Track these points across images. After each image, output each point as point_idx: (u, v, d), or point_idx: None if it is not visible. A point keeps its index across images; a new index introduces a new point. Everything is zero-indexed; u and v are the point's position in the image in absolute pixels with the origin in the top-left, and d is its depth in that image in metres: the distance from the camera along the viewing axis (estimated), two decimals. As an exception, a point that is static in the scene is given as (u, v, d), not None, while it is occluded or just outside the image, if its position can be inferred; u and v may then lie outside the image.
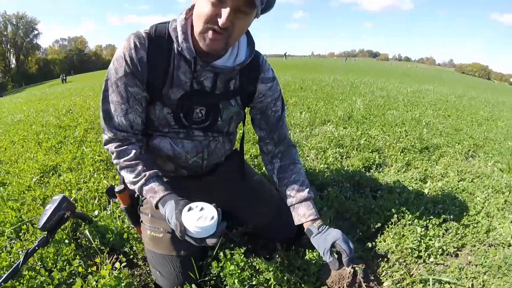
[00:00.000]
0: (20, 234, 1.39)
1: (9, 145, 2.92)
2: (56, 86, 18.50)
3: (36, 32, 57.12)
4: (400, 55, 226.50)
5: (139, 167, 0.99)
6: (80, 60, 71.30)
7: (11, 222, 1.45)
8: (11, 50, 53.19)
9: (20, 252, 1.24)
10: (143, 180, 0.98)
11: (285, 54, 50.25)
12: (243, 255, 1.09)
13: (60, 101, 6.05)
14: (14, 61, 54.18)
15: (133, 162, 0.99)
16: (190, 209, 0.86)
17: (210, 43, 0.89)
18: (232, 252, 1.09)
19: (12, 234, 1.42)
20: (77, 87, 10.41)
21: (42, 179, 2.05)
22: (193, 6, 0.95)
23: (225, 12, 0.83)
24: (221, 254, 1.08)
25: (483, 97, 9.28)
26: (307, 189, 1.16)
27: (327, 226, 1.08)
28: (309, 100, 4.93)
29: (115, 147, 1.01)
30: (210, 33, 0.87)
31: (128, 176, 1.00)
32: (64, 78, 28.06)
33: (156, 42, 0.96)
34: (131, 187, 1.03)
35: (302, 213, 1.13)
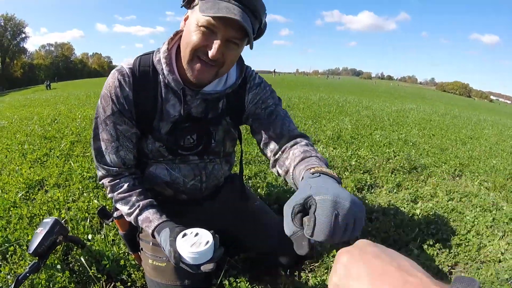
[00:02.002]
0: (7, 255, 1.31)
1: (-8, 153, 2.80)
2: (40, 92, 18.05)
3: (23, 35, 55.85)
4: (382, 74, 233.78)
5: (133, 198, 0.97)
6: (65, 67, 70.05)
7: (-3, 242, 1.36)
8: (-3, 51, 51.58)
9: (9, 277, 1.17)
10: (137, 211, 0.96)
11: (274, 70, 50.33)
12: (248, 283, 1.06)
13: (44, 109, 5.89)
14: (-1, 63, 52.39)
15: (126, 194, 0.98)
16: (184, 235, 0.82)
17: (198, 74, 0.86)
18: (236, 280, 1.06)
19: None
20: (62, 95, 10.17)
21: (28, 195, 1.96)
22: (175, 34, 0.94)
23: (216, 43, 0.79)
24: (226, 282, 1.05)
25: (465, 115, 9.67)
26: (306, 153, 0.85)
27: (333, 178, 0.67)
28: (297, 119, 4.97)
29: (108, 182, 0.99)
30: (198, 64, 0.84)
31: (123, 208, 0.99)
32: (49, 84, 27.34)
33: (141, 77, 0.93)
34: (128, 219, 1.00)
35: (300, 171, 0.78)
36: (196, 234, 0.81)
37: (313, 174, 0.68)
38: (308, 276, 1.26)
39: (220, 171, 1.15)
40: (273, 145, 0.98)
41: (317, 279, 1.22)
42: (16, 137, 3.36)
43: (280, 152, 0.94)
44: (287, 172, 0.88)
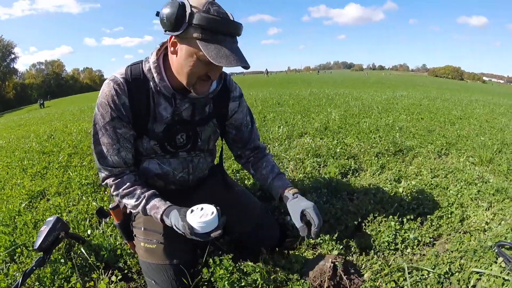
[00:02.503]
0: (15, 257, 1.43)
1: (-7, 172, 2.90)
2: (34, 111, 18.12)
3: (13, 56, 55.79)
4: (374, 64, 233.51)
5: (138, 191, 1.11)
6: (57, 84, 69.99)
7: (5, 246, 1.48)
8: (-12, 74, 51.34)
9: (17, 274, 1.28)
10: (144, 201, 1.10)
11: (266, 70, 49.38)
12: (231, 260, 1.17)
13: (40, 127, 5.99)
14: (-9, 86, 52.17)
15: (131, 189, 1.12)
16: (192, 211, 0.99)
17: (202, 91, 1.04)
18: (221, 258, 1.17)
19: (6, 257, 1.45)
20: (56, 112, 10.29)
21: (31, 204, 2.07)
22: (161, 45, 1.07)
23: (217, 70, 0.98)
24: (211, 260, 1.16)
25: (456, 98, 9.58)
26: (277, 170, 1.37)
27: (301, 195, 1.25)
28: (286, 114, 5.02)
29: (112, 181, 1.12)
30: (200, 84, 1.02)
31: (130, 202, 1.12)
32: (42, 103, 27.44)
33: (134, 85, 1.07)
34: (134, 211, 1.14)
35: (278, 185, 1.29)
36: (202, 209, 0.99)
37: (293, 195, 1.22)
38: (290, 253, 1.37)
39: (205, 163, 1.33)
40: (248, 152, 1.40)
41: (295, 253, 1.33)
42: (15, 155, 3.47)
43: (252, 157, 1.41)
44: (264, 178, 1.35)
